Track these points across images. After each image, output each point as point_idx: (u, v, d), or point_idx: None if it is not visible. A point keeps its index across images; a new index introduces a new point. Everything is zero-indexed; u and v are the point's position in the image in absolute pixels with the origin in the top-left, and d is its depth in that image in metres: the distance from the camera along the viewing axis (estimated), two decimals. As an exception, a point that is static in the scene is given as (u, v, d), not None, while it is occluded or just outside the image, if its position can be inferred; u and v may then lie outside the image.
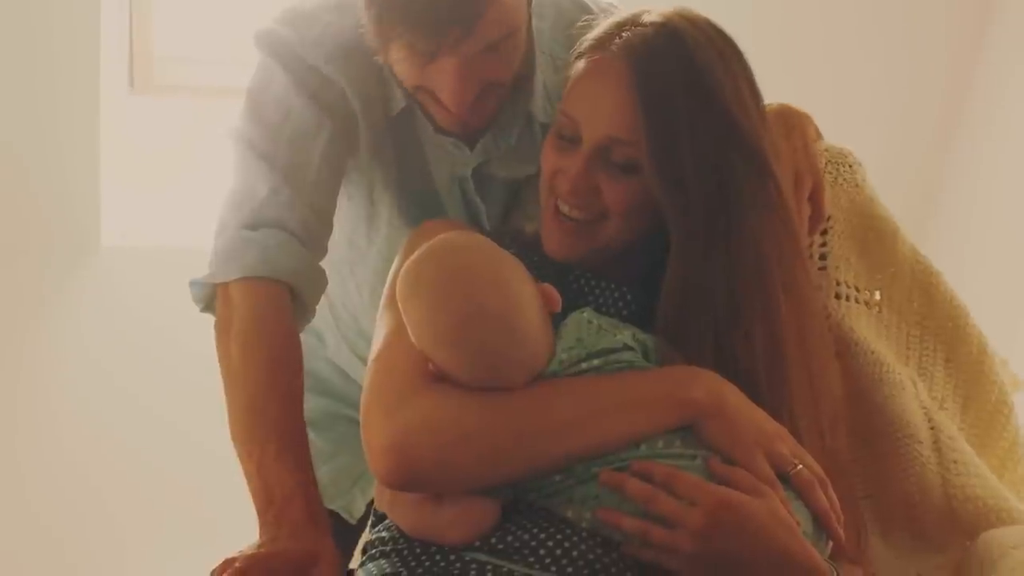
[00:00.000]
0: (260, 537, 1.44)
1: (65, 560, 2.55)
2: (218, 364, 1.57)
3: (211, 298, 1.62)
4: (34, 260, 2.52)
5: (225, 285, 1.59)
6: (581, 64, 1.47)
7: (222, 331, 1.59)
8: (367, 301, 1.82)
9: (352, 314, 1.89)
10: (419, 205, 1.73)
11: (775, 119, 1.60)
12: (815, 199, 1.63)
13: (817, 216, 1.64)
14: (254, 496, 1.47)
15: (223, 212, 1.64)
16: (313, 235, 1.64)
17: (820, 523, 1.36)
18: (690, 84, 1.40)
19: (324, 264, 1.68)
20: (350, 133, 1.66)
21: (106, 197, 2.56)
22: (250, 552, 1.40)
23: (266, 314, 1.58)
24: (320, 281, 1.66)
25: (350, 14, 1.59)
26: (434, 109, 1.59)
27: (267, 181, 1.61)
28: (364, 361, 1.62)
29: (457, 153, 1.70)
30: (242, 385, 1.54)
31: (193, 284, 1.62)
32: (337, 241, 1.74)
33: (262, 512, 1.46)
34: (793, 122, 1.66)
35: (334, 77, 1.63)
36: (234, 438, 1.52)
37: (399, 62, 1.54)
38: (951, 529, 1.60)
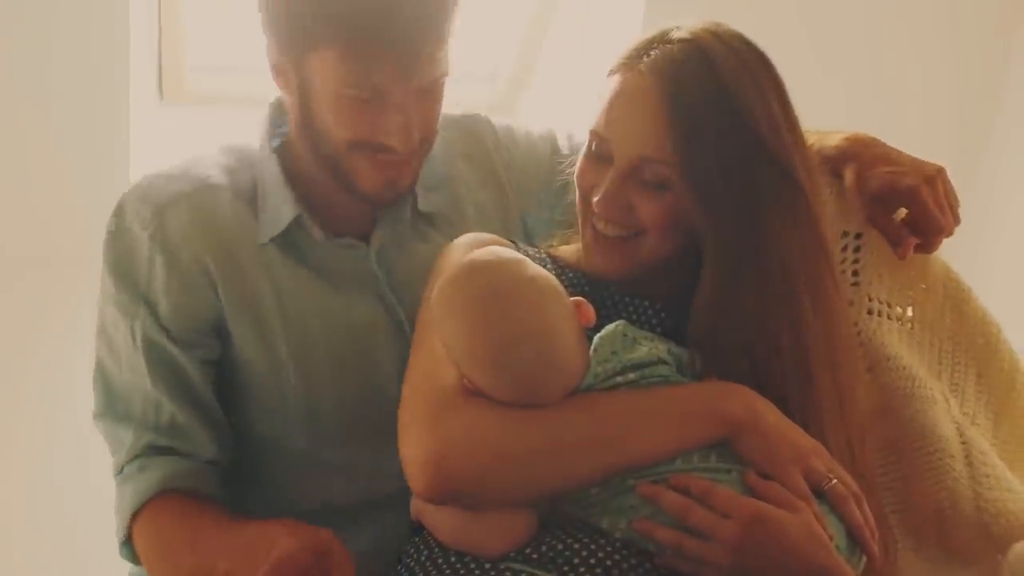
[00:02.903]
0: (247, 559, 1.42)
1: (77, 547, 2.55)
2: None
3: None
4: (66, 270, 2.52)
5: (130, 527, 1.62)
6: (611, 82, 1.48)
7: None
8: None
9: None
10: (327, 344, 1.66)
11: (860, 145, 1.65)
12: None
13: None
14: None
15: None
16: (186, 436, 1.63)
17: (854, 538, 1.37)
18: (717, 102, 1.41)
19: None
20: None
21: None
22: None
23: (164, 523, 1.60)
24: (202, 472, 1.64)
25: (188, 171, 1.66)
26: (365, 167, 1.58)
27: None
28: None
29: (353, 252, 1.68)
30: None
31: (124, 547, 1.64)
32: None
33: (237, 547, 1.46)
34: (880, 147, 1.68)
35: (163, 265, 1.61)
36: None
37: (345, 106, 1.53)
38: (983, 543, 1.60)
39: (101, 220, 2.53)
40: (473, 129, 1.82)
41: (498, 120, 1.86)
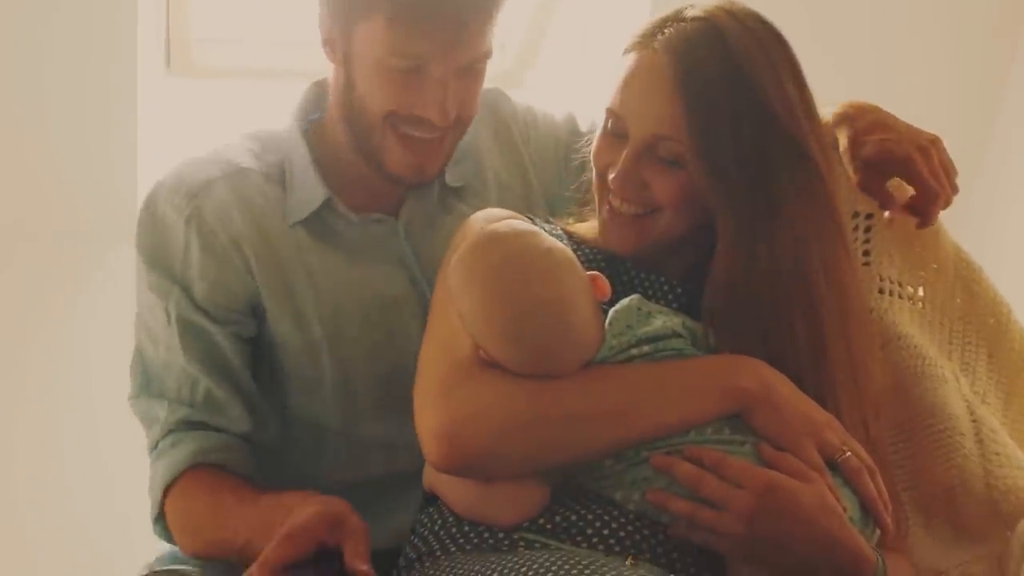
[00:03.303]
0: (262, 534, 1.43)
1: (90, 535, 2.55)
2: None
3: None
4: (72, 242, 2.52)
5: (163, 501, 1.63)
6: (626, 60, 1.48)
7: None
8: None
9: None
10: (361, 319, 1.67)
11: (857, 110, 1.64)
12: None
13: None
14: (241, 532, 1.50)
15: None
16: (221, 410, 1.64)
17: (867, 510, 1.37)
18: (731, 81, 1.41)
19: None
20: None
21: (143, 178, 2.56)
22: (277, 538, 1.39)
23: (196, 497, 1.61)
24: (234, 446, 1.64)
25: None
26: (396, 147, 1.59)
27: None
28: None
29: (381, 228, 1.68)
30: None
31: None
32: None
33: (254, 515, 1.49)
34: (877, 113, 1.67)
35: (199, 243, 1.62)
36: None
37: (387, 77, 1.54)
38: (993, 520, 1.60)
39: (109, 192, 2.56)
40: (495, 103, 1.81)
41: (521, 100, 1.86)
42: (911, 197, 1.64)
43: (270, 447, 1.68)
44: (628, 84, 1.46)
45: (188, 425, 1.62)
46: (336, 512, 1.38)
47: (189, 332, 1.62)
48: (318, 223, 1.65)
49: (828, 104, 1.69)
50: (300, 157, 1.66)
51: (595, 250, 1.56)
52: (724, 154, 1.41)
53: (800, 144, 1.43)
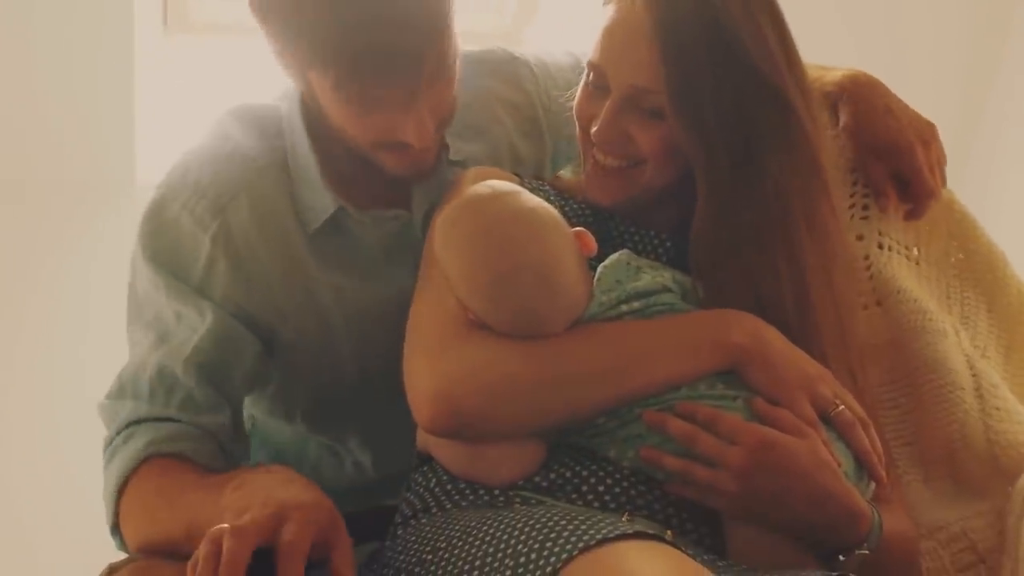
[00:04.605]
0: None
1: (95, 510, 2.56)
2: None
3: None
4: (69, 199, 2.52)
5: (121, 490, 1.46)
6: (607, 11, 1.47)
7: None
8: None
9: None
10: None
11: (862, 88, 1.64)
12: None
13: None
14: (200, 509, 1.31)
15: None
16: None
17: (861, 464, 1.36)
18: (709, 31, 1.40)
19: None
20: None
21: (140, 136, 2.56)
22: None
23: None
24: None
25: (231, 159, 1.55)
26: (390, 160, 1.51)
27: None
28: None
29: (396, 223, 1.60)
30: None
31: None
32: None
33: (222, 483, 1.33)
34: (881, 95, 1.67)
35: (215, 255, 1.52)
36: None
37: (353, 116, 1.45)
38: (993, 475, 1.60)
39: (105, 150, 2.55)
40: (515, 75, 1.74)
41: (533, 57, 1.78)
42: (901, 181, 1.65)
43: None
44: (608, 36, 1.45)
45: (147, 420, 1.49)
46: (332, 521, 1.26)
47: (206, 339, 1.51)
48: (334, 228, 1.57)
49: (833, 68, 1.69)
50: (305, 158, 1.56)
51: (583, 205, 1.55)
52: (702, 106, 1.40)
53: (781, 94, 1.42)
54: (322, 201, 1.55)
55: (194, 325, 1.51)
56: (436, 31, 1.40)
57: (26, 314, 2.55)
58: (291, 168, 1.56)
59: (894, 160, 1.63)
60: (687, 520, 1.33)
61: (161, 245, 1.54)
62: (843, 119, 1.65)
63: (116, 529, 1.45)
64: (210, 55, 2.71)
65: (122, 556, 1.44)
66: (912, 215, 1.67)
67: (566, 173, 1.71)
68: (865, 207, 1.67)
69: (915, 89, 1.72)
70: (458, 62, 1.49)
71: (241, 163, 1.55)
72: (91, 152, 2.54)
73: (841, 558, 1.33)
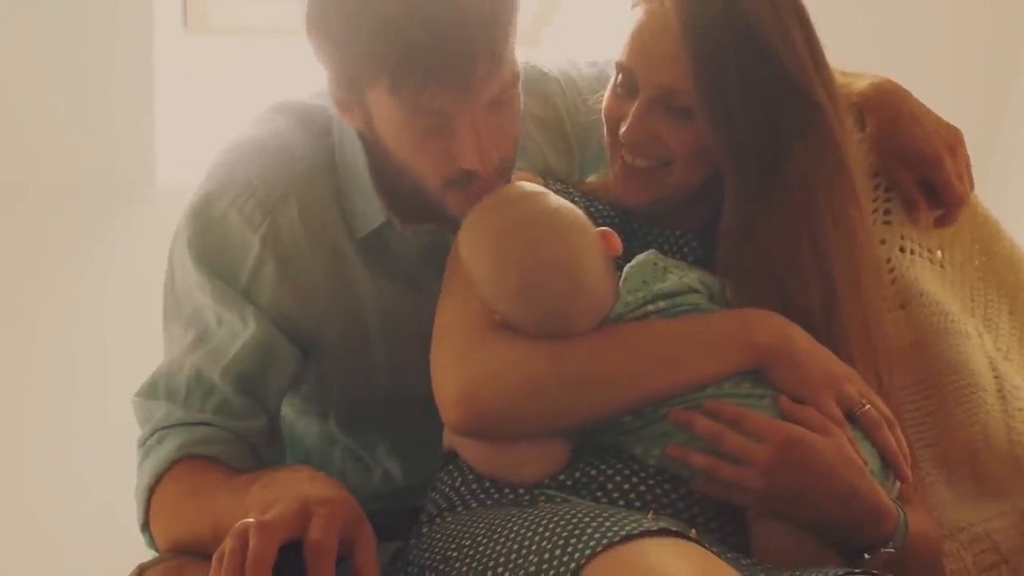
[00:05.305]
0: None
1: (109, 507, 2.56)
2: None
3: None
4: (88, 201, 2.53)
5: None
6: (635, 13, 1.47)
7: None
8: None
9: None
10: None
11: (887, 96, 1.64)
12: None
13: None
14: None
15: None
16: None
17: (887, 463, 1.36)
18: (737, 32, 1.40)
19: None
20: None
21: (160, 138, 2.57)
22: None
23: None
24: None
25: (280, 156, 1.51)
26: (456, 201, 1.44)
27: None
28: None
29: (435, 239, 1.57)
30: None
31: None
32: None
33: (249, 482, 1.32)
34: (905, 101, 1.67)
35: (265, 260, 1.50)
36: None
37: (414, 140, 1.41)
38: (1015, 476, 1.60)
39: (125, 152, 2.57)
40: (544, 92, 1.72)
41: (560, 71, 1.76)
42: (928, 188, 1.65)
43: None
44: (636, 37, 1.46)
45: (182, 423, 1.48)
46: (356, 517, 1.25)
47: (247, 348, 1.49)
48: (376, 239, 1.56)
49: (858, 74, 1.69)
50: (355, 165, 1.52)
51: (608, 206, 1.55)
52: (731, 106, 1.40)
53: (808, 95, 1.42)
54: (372, 210, 1.53)
55: (235, 331, 1.49)
56: (492, 28, 1.37)
57: (46, 316, 2.56)
58: (339, 170, 1.54)
59: (922, 168, 1.63)
60: (711, 518, 1.33)
61: (208, 244, 1.51)
62: (869, 128, 1.66)
63: (146, 527, 1.46)
64: (229, 56, 2.72)
65: (148, 555, 1.46)
66: (942, 222, 1.67)
67: (591, 179, 1.71)
68: (887, 211, 1.67)
69: (935, 92, 1.73)
70: (519, 92, 1.46)
71: (289, 162, 1.52)
72: (111, 154, 2.55)
73: (866, 556, 1.33)
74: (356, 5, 1.35)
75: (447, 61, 1.35)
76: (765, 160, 1.41)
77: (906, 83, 1.70)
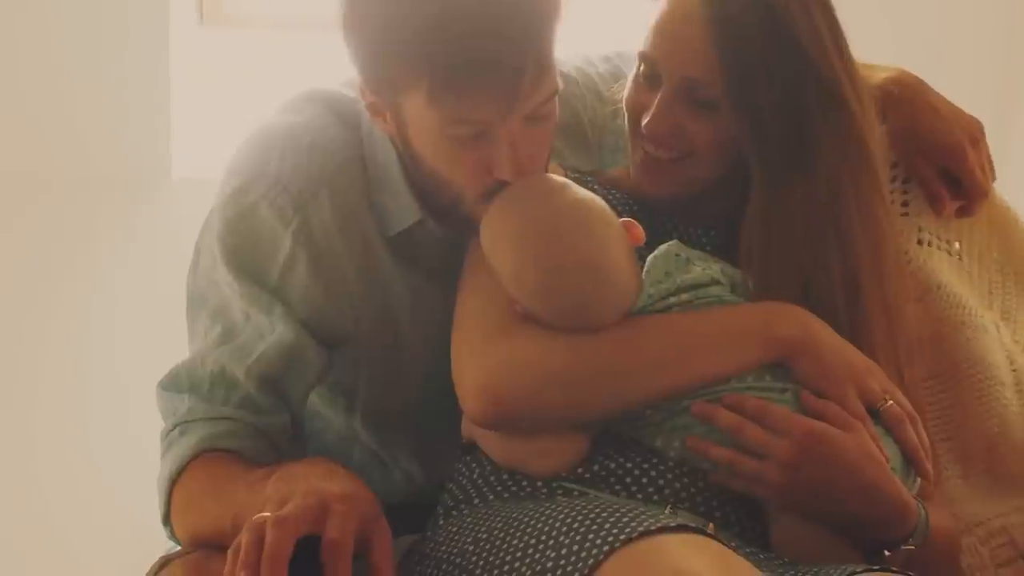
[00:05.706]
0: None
1: (127, 498, 2.57)
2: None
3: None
4: (105, 193, 2.53)
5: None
6: (659, 3, 1.46)
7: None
8: None
9: None
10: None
11: (907, 89, 1.64)
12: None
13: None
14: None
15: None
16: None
17: (909, 459, 1.36)
18: (763, 22, 1.40)
19: None
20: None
21: (176, 130, 2.57)
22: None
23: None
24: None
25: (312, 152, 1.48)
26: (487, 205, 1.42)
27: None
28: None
29: (464, 239, 1.52)
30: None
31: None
32: None
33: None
34: (925, 94, 1.67)
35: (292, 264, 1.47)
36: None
37: (449, 149, 1.38)
38: (1032, 471, 1.59)
39: (141, 145, 2.57)
40: (563, 93, 1.61)
41: (576, 70, 1.72)
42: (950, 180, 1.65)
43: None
44: (660, 28, 1.45)
45: (204, 418, 1.47)
46: (373, 513, 1.24)
47: (273, 350, 1.46)
48: (407, 237, 1.53)
49: (877, 67, 1.68)
50: (390, 165, 1.49)
51: (628, 197, 1.55)
52: (757, 97, 1.40)
53: (834, 86, 1.42)
54: (403, 208, 1.50)
55: (263, 331, 1.47)
56: (534, 36, 1.34)
57: (62, 309, 2.56)
58: (368, 164, 1.51)
59: (945, 160, 1.63)
60: (730, 512, 1.33)
61: (238, 240, 1.48)
62: (890, 120, 1.65)
63: (167, 519, 1.45)
64: (246, 49, 2.72)
65: (168, 548, 1.46)
66: (963, 213, 1.66)
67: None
68: (905, 203, 1.67)
69: (952, 84, 1.72)
70: (557, 105, 1.43)
71: (321, 156, 1.49)
72: (127, 147, 2.56)
73: (886, 553, 1.33)
74: (398, 6, 1.33)
75: (494, 69, 1.31)
76: (790, 153, 1.41)
77: (923, 75, 1.70)
